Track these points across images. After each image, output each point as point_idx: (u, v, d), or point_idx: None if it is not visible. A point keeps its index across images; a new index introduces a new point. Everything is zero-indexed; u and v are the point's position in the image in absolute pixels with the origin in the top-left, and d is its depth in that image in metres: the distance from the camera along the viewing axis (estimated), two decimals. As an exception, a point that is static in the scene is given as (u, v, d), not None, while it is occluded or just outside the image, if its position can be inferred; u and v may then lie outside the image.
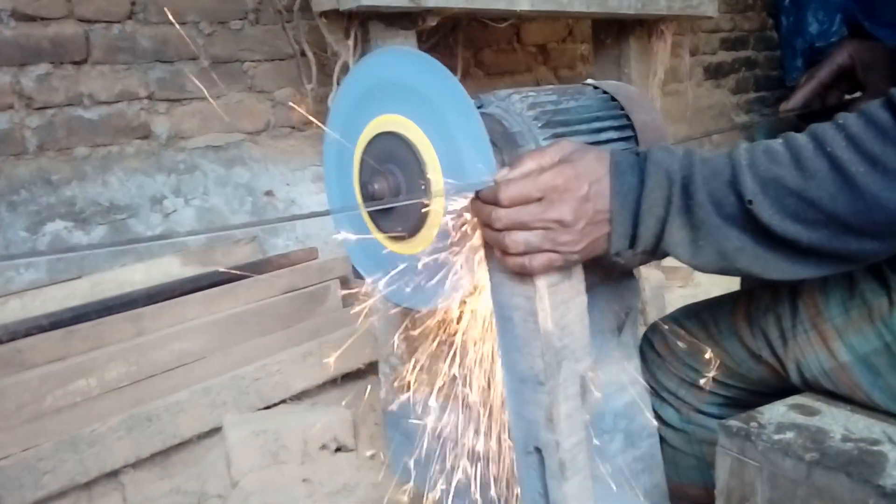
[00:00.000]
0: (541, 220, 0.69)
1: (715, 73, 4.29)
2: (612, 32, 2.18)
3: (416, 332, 1.66)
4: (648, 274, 2.28)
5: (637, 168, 0.71)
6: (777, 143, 0.68)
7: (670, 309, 1.08)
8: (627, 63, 2.20)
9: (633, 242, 0.72)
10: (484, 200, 0.72)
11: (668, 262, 2.73)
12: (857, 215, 0.63)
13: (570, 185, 0.69)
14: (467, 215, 0.77)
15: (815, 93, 1.05)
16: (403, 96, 0.81)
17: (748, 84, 4.53)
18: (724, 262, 0.70)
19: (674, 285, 2.77)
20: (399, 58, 0.83)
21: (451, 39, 2.44)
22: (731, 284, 1.02)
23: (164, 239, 0.54)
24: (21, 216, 1.98)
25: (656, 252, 0.73)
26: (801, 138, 0.67)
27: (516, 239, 0.70)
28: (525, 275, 0.72)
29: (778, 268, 0.69)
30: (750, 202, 0.66)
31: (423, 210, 0.81)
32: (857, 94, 1.06)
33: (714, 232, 0.68)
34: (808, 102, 1.05)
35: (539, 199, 0.69)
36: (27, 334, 1.71)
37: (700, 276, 2.85)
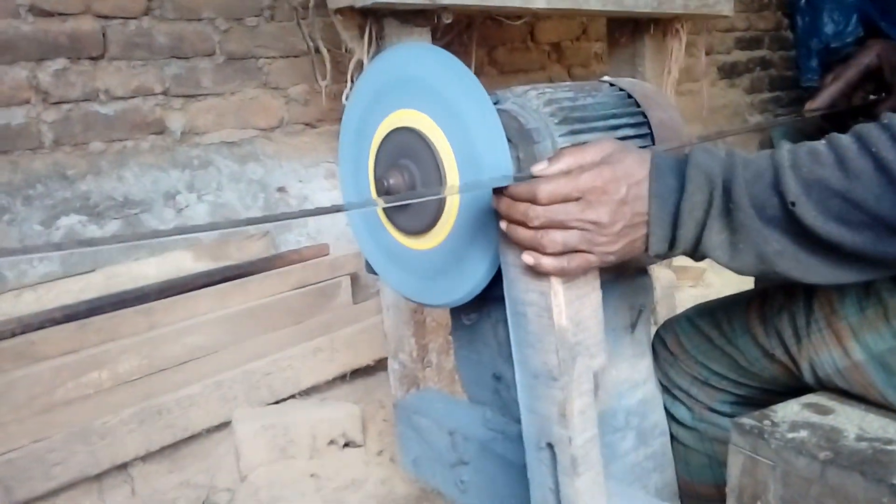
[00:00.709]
0: (578, 220, 0.69)
1: (730, 72, 4.27)
2: (626, 31, 2.17)
3: (426, 329, 1.67)
4: (659, 273, 2.27)
5: (677, 171, 0.70)
6: (821, 144, 0.67)
7: (681, 308, 1.08)
8: (642, 62, 2.18)
9: (672, 245, 0.72)
10: (517, 197, 0.70)
11: (680, 261, 2.73)
12: None
13: (609, 187, 0.69)
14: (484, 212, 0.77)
15: (842, 93, 1.04)
16: (420, 92, 0.81)
17: (763, 84, 4.51)
18: (763, 266, 0.69)
19: (685, 285, 2.77)
20: (416, 54, 0.83)
21: (465, 37, 2.44)
22: (743, 285, 1.02)
23: (173, 234, 0.54)
24: (36, 210, 1.99)
25: (695, 254, 0.73)
26: (844, 139, 0.66)
27: (554, 238, 0.69)
28: (550, 273, 0.71)
29: (819, 272, 0.68)
30: (793, 204, 0.65)
31: (438, 207, 0.81)
32: (882, 96, 1.05)
33: (754, 235, 0.67)
34: (833, 102, 1.04)
35: (577, 199, 0.69)
36: (41, 327, 1.73)
37: (711, 276, 2.84)
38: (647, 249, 0.73)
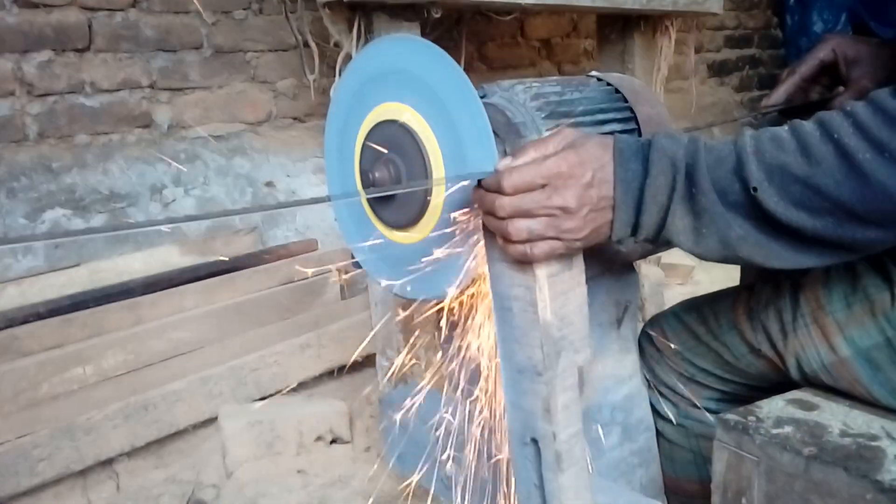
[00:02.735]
0: (544, 207, 0.68)
1: (719, 70, 4.28)
2: (616, 28, 2.17)
3: (413, 324, 1.66)
4: (648, 271, 2.27)
5: (641, 155, 0.70)
6: (783, 131, 0.67)
7: (669, 305, 1.08)
8: (631, 59, 2.18)
9: (635, 230, 0.72)
10: (487, 188, 0.71)
11: (668, 258, 2.73)
12: (862, 202, 0.62)
13: (574, 171, 0.69)
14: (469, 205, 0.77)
15: (797, 88, 1.04)
16: (406, 84, 0.81)
17: (752, 82, 4.52)
18: (726, 251, 0.70)
19: (673, 282, 2.77)
20: (402, 46, 0.82)
21: (454, 32, 2.43)
22: (731, 282, 1.02)
23: (159, 224, 0.53)
24: (21, 203, 1.97)
25: (658, 240, 0.73)
26: (807, 125, 0.66)
27: (519, 227, 0.69)
28: (525, 263, 0.71)
29: (781, 256, 0.68)
30: (755, 189, 0.65)
31: (424, 199, 0.81)
32: (840, 90, 1.04)
33: (717, 219, 0.68)
34: (790, 97, 1.04)
35: (543, 186, 0.69)
36: (25, 321, 1.71)
37: (700, 274, 2.85)
38: (611, 235, 0.73)
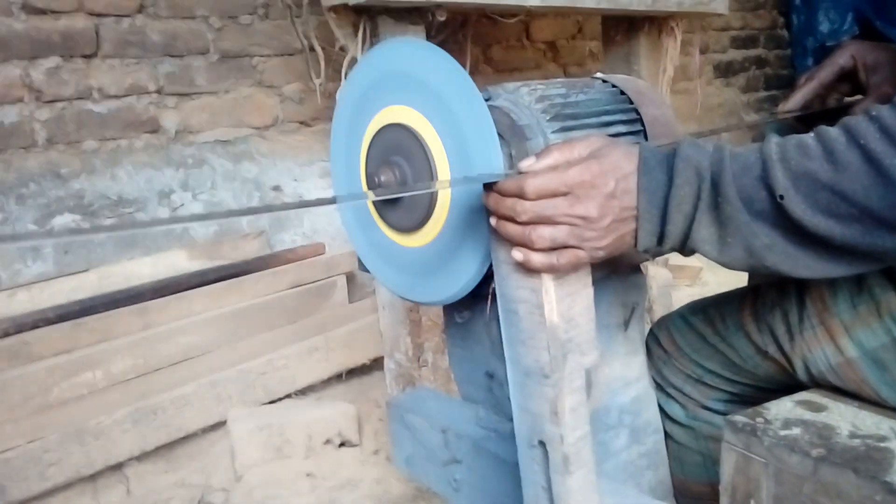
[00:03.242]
0: (566, 216, 0.68)
1: (725, 71, 4.27)
2: (621, 29, 2.17)
3: (420, 326, 1.66)
4: (656, 272, 2.27)
5: (666, 164, 0.70)
6: (809, 137, 0.66)
7: (677, 307, 1.08)
8: (637, 60, 2.18)
9: (661, 240, 0.71)
10: (505, 193, 0.70)
11: (676, 260, 2.73)
12: (891, 208, 0.61)
13: (597, 181, 0.68)
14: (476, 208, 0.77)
15: (815, 94, 1.02)
16: (411, 88, 0.81)
17: (758, 83, 4.51)
18: (752, 260, 0.69)
19: (681, 284, 2.76)
20: (407, 49, 0.82)
21: (460, 35, 2.44)
22: (739, 283, 1.02)
23: (164, 223, 0.53)
24: (30, 209, 1.99)
25: (684, 249, 0.72)
26: (833, 131, 0.65)
27: (542, 234, 0.68)
28: (539, 270, 0.71)
29: (808, 266, 0.67)
30: (781, 197, 0.64)
31: (429, 203, 0.81)
32: (859, 97, 1.03)
33: (743, 229, 0.67)
34: (807, 104, 1.02)
35: (565, 194, 0.68)
36: (34, 326, 1.72)
37: (708, 276, 2.84)
38: (636, 244, 0.72)
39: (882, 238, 0.63)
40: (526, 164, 0.70)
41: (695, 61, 2.72)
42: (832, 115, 1.02)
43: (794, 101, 1.02)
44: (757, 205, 0.66)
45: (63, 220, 2.03)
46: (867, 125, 0.63)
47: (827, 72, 1.01)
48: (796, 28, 4.41)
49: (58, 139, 2.08)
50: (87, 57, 2.12)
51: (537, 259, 0.69)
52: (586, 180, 0.68)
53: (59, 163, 2.07)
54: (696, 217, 0.69)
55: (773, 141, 0.67)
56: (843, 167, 0.63)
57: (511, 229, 0.70)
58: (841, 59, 1.01)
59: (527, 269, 0.71)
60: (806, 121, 1.03)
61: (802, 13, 4.34)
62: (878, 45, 1.01)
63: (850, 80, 1.02)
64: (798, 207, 0.64)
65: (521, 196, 0.69)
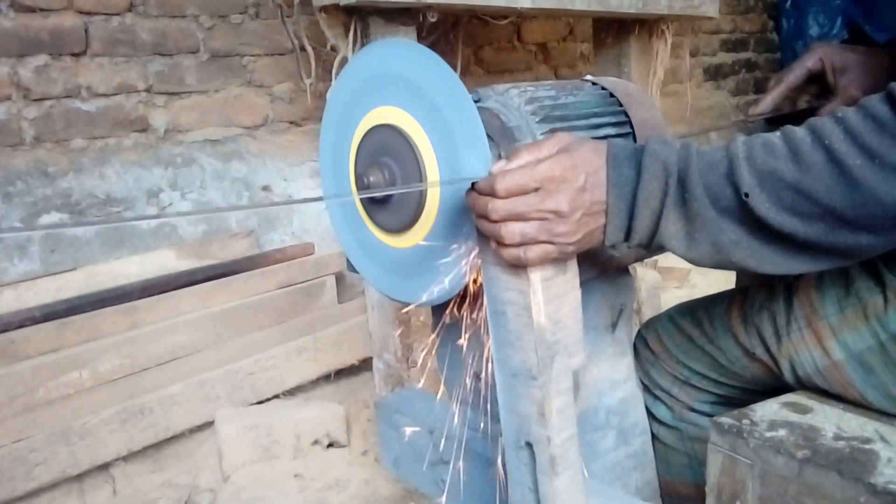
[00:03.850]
0: (537, 211, 0.69)
1: (715, 74, 4.29)
2: (612, 31, 2.17)
3: (411, 328, 1.66)
4: (645, 274, 2.27)
5: (634, 160, 0.71)
6: (775, 136, 0.68)
7: (665, 309, 1.08)
8: (627, 63, 2.19)
9: (628, 235, 0.72)
10: (480, 192, 0.71)
11: (665, 262, 2.73)
12: (853, 208, 0.63)
13: (567, 175, 0.69)
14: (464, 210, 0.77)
15: (784, 97, 1.03)
16: (400, 89, 0.81)
17: (748, 86, 4.53)
18: (719, 256, 0.70)
19: (670, 286, 2.77)
20: (397, 50, 0.82)
21: (451, 36, 2.44)
22: (727, 286, 1.02)
23: (151, 218, 0.53)
24: (17, 207, 1.97)
25: (651, 245, 0.73)
26: (799, 131, 0.66)
27: (512, 230, 0.69)
28: (519, 267, 0.71)
29: (773, 262, 0.68)
30: (746, 195, 0.66)
31: (418, 204, 0.81)
32: (828, 99, 1.04)
33: (709, 225, 0.68)
34: (777, 106, 1.03)
35: (536, 190, 0.69)
36: (20, 325, 1.71)
37: (696, 278, 2.85)
38: (604, 240, 0.73)
39: (844, 236, 0.64)
40: (497, 166, 0.71)
41: (685, 64, 2.73)
42: (802, 117, 1.03)
43: (764, 105, 1.03)
44: (723, 202, 0.67)
45: (50, 218, 2.01)
46: (833, 126, 0.64)
47: (795, 74, 1.02)
48: (786, 32, 4.44)
49: (45, 137, 2.07)
50: (75, 55, 2.11)
51: (505, 254, 0.71)
52: (556, 174, 0.69)
53: (46, 161, 2.06)
54: (663, 212, 0.70)
55: (740, 139, 0.68)
56: (807, 167, 0.64)
57: (486, 227, 0.72)
58: (809, 62, 1.01)
59: (516, 271, 0.72)
60: (776, 123, 1.03)
61: (792, 17, 4.37)
62: (846, 46, 1.02)
63: (818, 82, 1.03)
64: (763, 205, 0.65)
65: (493, 195, 0.69)
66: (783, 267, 0.69)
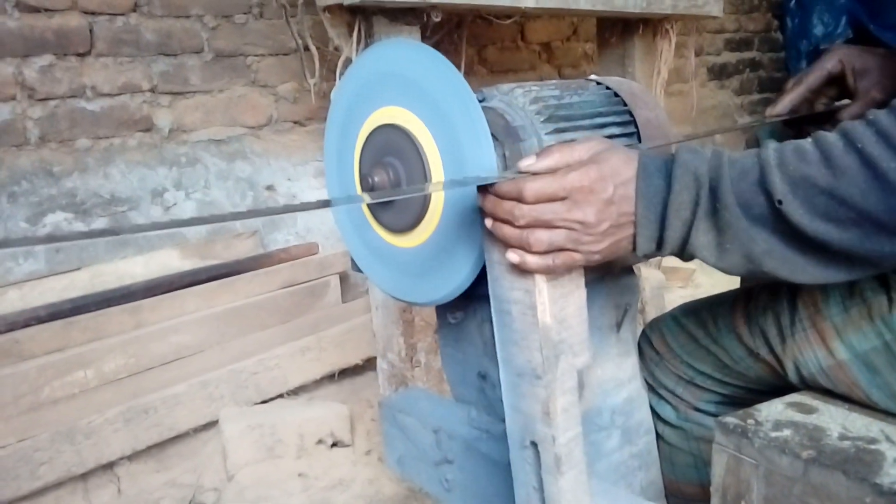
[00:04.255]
0: (563, 220, 0.68)
1: (719, 73, 4.29)
2: (616, 31, 2.17)
3: (413, 326, 1.66)
4: (649, 274, 2.27)
5: (664, 170, 0.70)
6: (806, 142, 0.66)
7: (670, 309, 1.08)
8: (631, 62, 2.19)
9: (659, 245, 0.71)
10: (503, 195, 0.70)
11: (669, 262, 2.72)
12: (889, 212, 0.61)
13: (595, 186, 0.68)
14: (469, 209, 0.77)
15: (803, 98, 1.02)
16: (405, 89, 0.81)
17: (752, 85, 4.53)
18: (751, 265, 0.69)
19: (674, 286, 2.77)
20: (401, 50, 0.82)
21: (455, 36, 2.44)
22: (732, 286, 1.02)
23: (158, 228, 0.53)
24: (22, 207, 1.98)
25: (683, 255, 0.72)
26: (830, 136, 0.65)
27: (541, 237, 0.68)
28: (535, 272, 0.71)
29: (807, 271, 0.67)
30: (779, 202, 0.64)
31: (423, 204, 0.81)
32: (846, 102, 1.02)
33: (741, 234, 0.67)
34: (795, 108, 1.02)
35: (563, 199, 0.68)
36: (26, 325, 1.72)
37: (701, 278, 2.85)
38: (634, 249, 0.72)
39: (880, 242, 0.63)
40: (526, 163, 0.71)
41: (689, 63, 2.72)
42: (820, 120, 1.02)
43: (783, 106, 1.02)
44: (755, 210, 0.66)
45: (55, 218, 2.02)
46: (864, 129, 0.63)
47: (815, 76, 1.01)
48: (790, 31, 4.43)
49: (50, 137, 2.08)
50: (80, 55, 2.11)
51: (533, 261, 0.70)
52: (585, 185, 0.68)
53: (51, 161, 2.07)
54: (694, 223, 0.69)
55: (771, 146, 0.67)
56: (840, 171, 0.63)
57: (508, 232, 0.70)
58: (829, 64, 1.01)
59: (521, 270, 0.72)
60: (794, 125, 1.03)
61: (797, 16, 4.35)
62: (866, 49, 1.01)
63: (837, 84, 1.02)
64: (796, 212, 0.64)
65: (519, 199, 0.69)
66: (817, 276, 0.68)
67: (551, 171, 0.70)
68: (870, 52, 1.00)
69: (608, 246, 0.71)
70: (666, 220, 0.70)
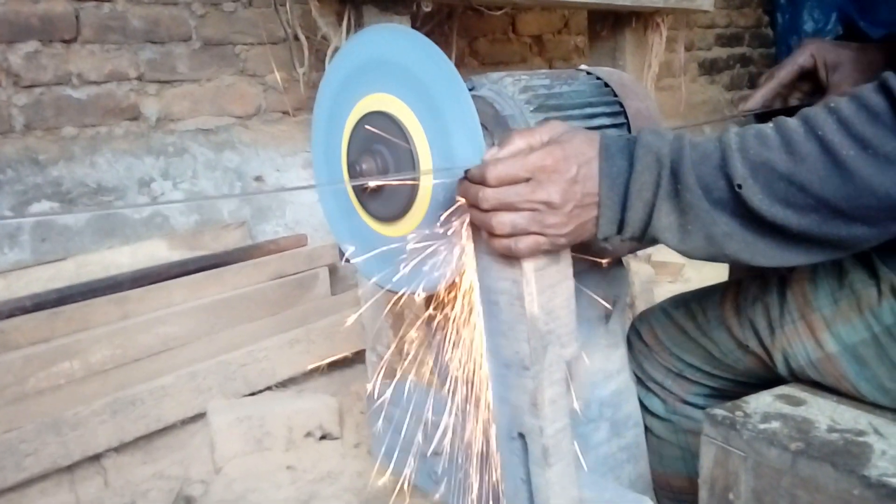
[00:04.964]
0: (528, 202, 0.68)
1: (709, 68, 4.29)
2: (607, 24, 2.17)
3: (402, 319, 1.65)
4: (638, 268, 2.27)
5: (627, 151, 0.70)
6: (768, 127, 0.67)
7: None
8: (622, 56, 2.19)
9: (621, 227, 0.71)
10: (471, 180, 0.70)
11: (659, 256, 2.73)
12: (847, 199, 0.62)
13: (559, 166, 0.68)
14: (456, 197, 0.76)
15: (775, 93, 1.03)
16: (394, 75, 0.80)
17: (742, 80, 4.54)
18: (712, 248, 0.69)
19: (664, 280, 2.77)
20: (390, 36, 0.81)
21: (446, 27, 2.43)
22: (721, 280, 1.02)
23: (142, 205, 0.52)
24: (6, 196, 1.95)
25: (644, 237, 0.72)
26: (792, 122, 0.66)
27: (503, 220, 0.68)
28: (512, 258, 0.71)
29: (767, 254, 0.68)
30: (739, 186, 0.65)
31: (411, 192, 0.80)
32: (820, 96, 1.03)
33: (703, 217, 0.67)
34: (767, 103, 1.03)
35: (527, 180, 0.68)
36: (10, 315, 1.70)
37: (690, 272, 2.85)
38: (596, 232, 0.72)
39: (838, 227, 0.64)
40: (490, 153, 0.70)
41: (680, 58, 2.73)
42: (792, 115, 1.02)
43: (755, 101, 1.02)
44: (716, 193, 0.67)
45: (40, 206, 2.00)
46: (825, 116, 0.63)
47: (787, 71, 1.01)
48: (781, 27, 4.44)
49: (36, 125, 2.05)
50: (66, 42, 2.09)
51: (496, 244, 0.70)
52: (548, 165, 0.68)
53: (36, 149, 2.04)
54: (656, 204, 0.69)
55: (733, 130, 0.68)
56: (800, 157, 0.63)
57: (475, 216, 0.71)
58: (801, 58, 1.01)
59: (509, 260, 0.71)
60: (766, 119, 1.03)
61: (787, 12, 4.37)
62: (838, 43, 1.01)
63: (810, 78, 1.02)
64: (756, 196, 0.64)
65: (483, 183, 0.69)
66: (777, 259, 0.68)
67: (513, 156, 0.69)
68: (842, 46, 1.00)
69: (573, 228, 0.70)
70: (627, 201, 0.69)
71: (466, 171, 0.71)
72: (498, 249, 0.70)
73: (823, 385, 0.83)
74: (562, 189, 0.68)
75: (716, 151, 0.67)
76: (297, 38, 1.75)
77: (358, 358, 1.98)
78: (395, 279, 0.89)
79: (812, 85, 1.03)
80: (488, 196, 0.68)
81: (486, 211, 0.69)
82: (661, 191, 0.68)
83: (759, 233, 0.67)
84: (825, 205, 0.63)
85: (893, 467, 0.68)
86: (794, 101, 1.04)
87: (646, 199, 0.69)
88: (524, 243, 0.69)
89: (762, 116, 1.02)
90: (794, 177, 0.63)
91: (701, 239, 0.69)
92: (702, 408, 0.95)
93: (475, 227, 0.74)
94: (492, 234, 0.70)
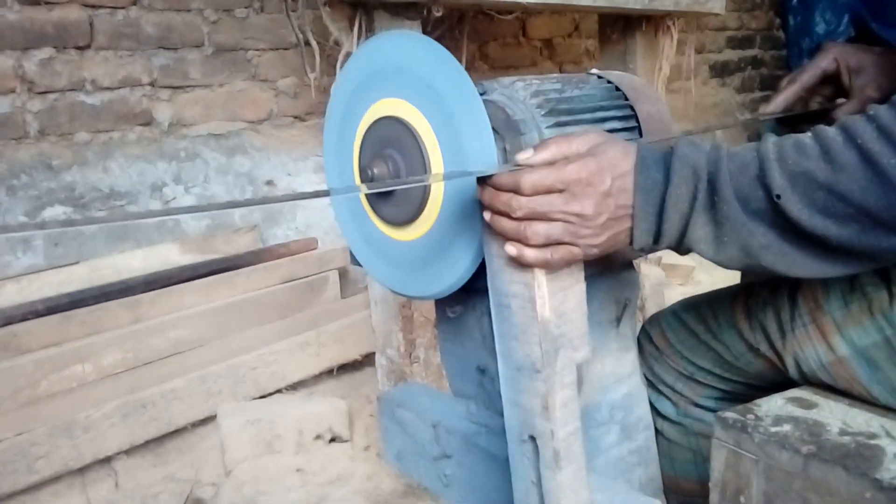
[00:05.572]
0: (562, 213, 0.67)
1: (721, 71, 4.28)
2: (618, 27, 2.16)
3: (413, 324, 1.66)
4: (649, 271, 2.27)
5: (662, 163, 0.69)
6: (806, 137, 0.66)
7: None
8: (633, 59, 2.18)
9: (657, 238, 0.71)
10: (501, 187, 0.69)
11: (669, 259, 2.72)
12: (888, 209, 0.61)
13: (594, 179, 0.68)
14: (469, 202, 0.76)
15: (797, 96, 1.02)
16: (406, 80, 0.80)
17: (753, 83, 4.52)
18: (748, 260, 0.68)
19: (674, 282, 2.77)
20: (402, 42, 0.82)
21: (456, 31, 2.43)
22: (732, 282, 1.02)
23: (156, 216, 0.52)
24: (21, 201, 1.97)
25: (680, 248, 0.72)
26: (830, 131, 0.65)
27: (538, 230, 0.68)
28: (533, 265, 0.70)
29: (804, 266, 0.67)
30: (778, 197, 0.64)
31: (422, 196, 0.80)
32: (842, 100, 1.01)
33: (739, 228, 0.66)
34: (789, 106, 1.01)
35: (561, 191, 0.68)
36: (23, 319, 1.71)
37: (700, 275, 2.85)
38: (631, 243, 0.72)
39: (878, 238, 0.63)
40: (523, 156, 0.70)
41: (690, 61, 2.72)
42: (815, 118, 1.01)
43: (776, 104, 1.01)
44: (753, 204, 0.66)
45: (54, 211, 2.01)
46: (865, 125, 0.63)
47: (809, 74, 1.01)
48: (792, 29, 4.42)
49: (50, 131, 2.07)
50: (80, 48, 2.11)
51: (531, 255, 0.69)
52: (583, 178, 0.68)
53: (50, 154, 2.06)
54: (692, 216, 0.68)
55: (770, 140, 0.67)
56: (840, 167, 0.62)
57: (506, 224, 0.70)
58: (823, 62, 1.00)
59: (521, 264, 0.71)
60: (789, 123, 1.02)
61: (799, 14, 4.35)
62: (860, 47, 1.00)
63: (832, 82, 1.01)
64: (795, 207, 0.64)
65: (516, 191, 0.68)
66: (814, 271, 0.67)
67: (549, 164, 0.69)
68: (865, 50, 1.00)
69: (606, 239, 0.70)
70: (664, 214, 0.69)
71: (489, 177, 0.71)
72: (532, 261, 0.69)
73: (835, 388, 0.83)
74: (595, 202, 0.68)
75: (753, 162, 0.66)
76: (308, 43, 1.75)
77: (368, 361, 1.99)
78: (405, 284, 0.89)
79: (834, 89, 1.02)
80: (522, 204, 0.67)
81: (519, 219, 0.68)
82: (698, 203, 0.68)
83: (796, 244, 0.66)
84: (866, 214, 0.62)
85: (906, 471, 0.68)
86: (814, 105, 1.03)
87: (682, 212, 0.68)
88: (559, 254, 0.69)
89: (783, 121, 1.02)
90: (833, 186, 0.62)
91: (737, 250, 0.68)
92: (713, 411, 0.95)
93: (487, 231, 0.74)
94: (524, 244, 0.69)
